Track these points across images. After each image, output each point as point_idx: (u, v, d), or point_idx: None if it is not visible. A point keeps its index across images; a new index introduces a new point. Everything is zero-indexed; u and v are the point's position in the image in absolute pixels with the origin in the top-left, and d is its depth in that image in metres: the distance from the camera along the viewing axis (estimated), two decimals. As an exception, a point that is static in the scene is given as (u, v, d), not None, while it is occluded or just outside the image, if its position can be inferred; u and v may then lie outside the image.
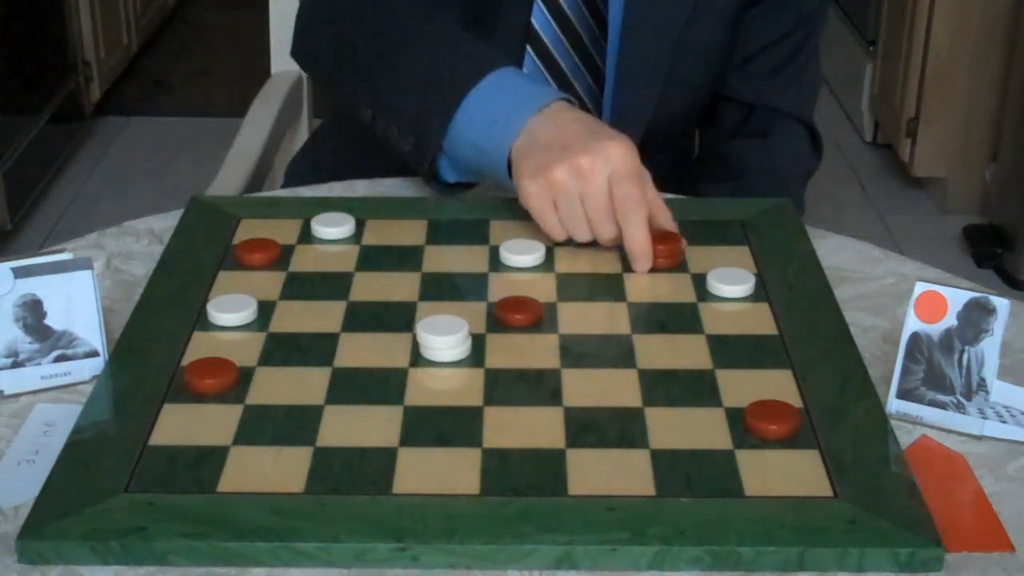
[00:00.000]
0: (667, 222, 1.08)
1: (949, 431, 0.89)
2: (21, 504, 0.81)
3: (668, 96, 1.33)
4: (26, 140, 2.98)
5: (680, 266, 1.07)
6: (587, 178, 1.04)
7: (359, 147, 1.34)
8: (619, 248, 1.08)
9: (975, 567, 0.77)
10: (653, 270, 1.06)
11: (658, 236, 1.06)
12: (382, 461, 0.83)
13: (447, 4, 1.26)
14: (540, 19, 1.28)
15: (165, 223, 1.16)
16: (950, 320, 0.88)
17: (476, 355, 0.94)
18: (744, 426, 0.86)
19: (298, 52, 1.31)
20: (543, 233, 1.08)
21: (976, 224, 3.01)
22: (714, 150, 1.41)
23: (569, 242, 1.08)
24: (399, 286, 1.03)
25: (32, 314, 0.92)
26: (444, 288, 1.04)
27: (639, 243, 1.05)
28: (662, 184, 1.26)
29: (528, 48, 1.28)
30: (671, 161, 1.42)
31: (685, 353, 0.95)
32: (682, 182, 1.37)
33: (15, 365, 0.92)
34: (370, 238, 1.11)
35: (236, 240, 1.10)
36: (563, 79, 1.29)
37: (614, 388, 0.90)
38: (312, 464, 0.82)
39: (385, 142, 1.19)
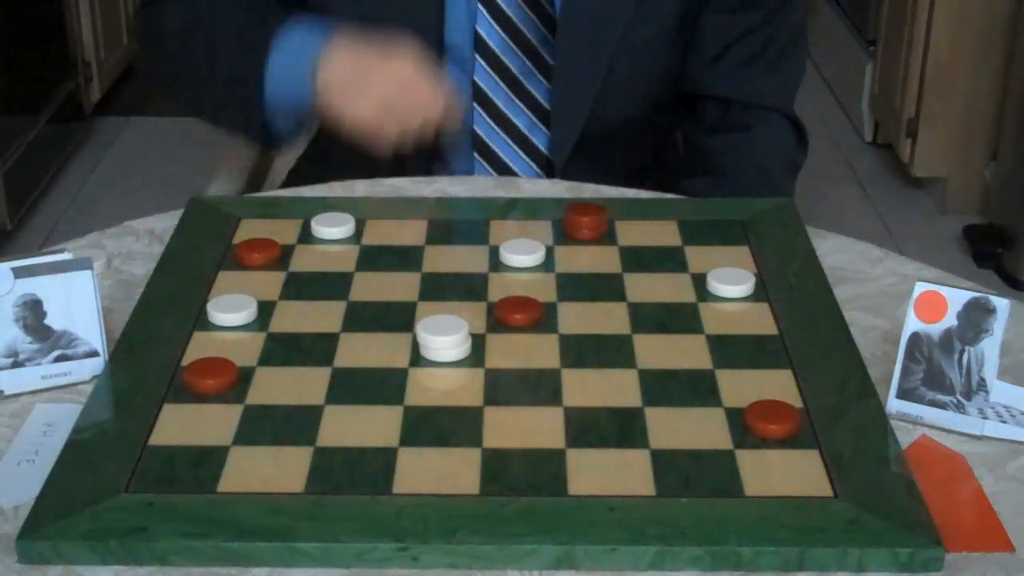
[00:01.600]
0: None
1: (949, 431, 0.89)
2: (21, 504, 0.81)
3: (613, 94, 1.32)
4: (26, 140, 2.98)
5: (678, 265, 1.07)
6: (386, 93, 1.18)
7: (359, 147, 1.34)
8: (618, 247, 1.08)
9: (975, 567, 0.77)
10: (579, 242, 1.10)
11: (584, 209, 1.10)
12: (382, 461, 0.83)
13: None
14: (485, 26, 1.29)
15: (165, 223, 1.16)
16: (950, 320, 0.88)
17: (476, 355, 0.94)
18: (744, 426, 0.86)
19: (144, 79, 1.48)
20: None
21: (976, 224, 3.01)
22: (695, 146, 1.40)
23: (568, 242, 1.08)
24: (399, 286, 1.03)
25: (32, 314, 0.92)
26: (444, 288, 1.04)
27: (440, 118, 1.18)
28: (634, 183, 1.28)
29: (477, 56, 1.29)
30: (640, 159, 1.42)
31: (685, 353, 0.95)
32: (660, 181, 1.37)
33: (15, 365, 0.92)
34: (370, 238, 1.11)
35: (236, 240, 1.10)
36: (516, 83, 1.30)
37: (614, 388, 0.90)
38: (312, 464, 0.82)
39: (228, 129, 1.34)
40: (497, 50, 1.29)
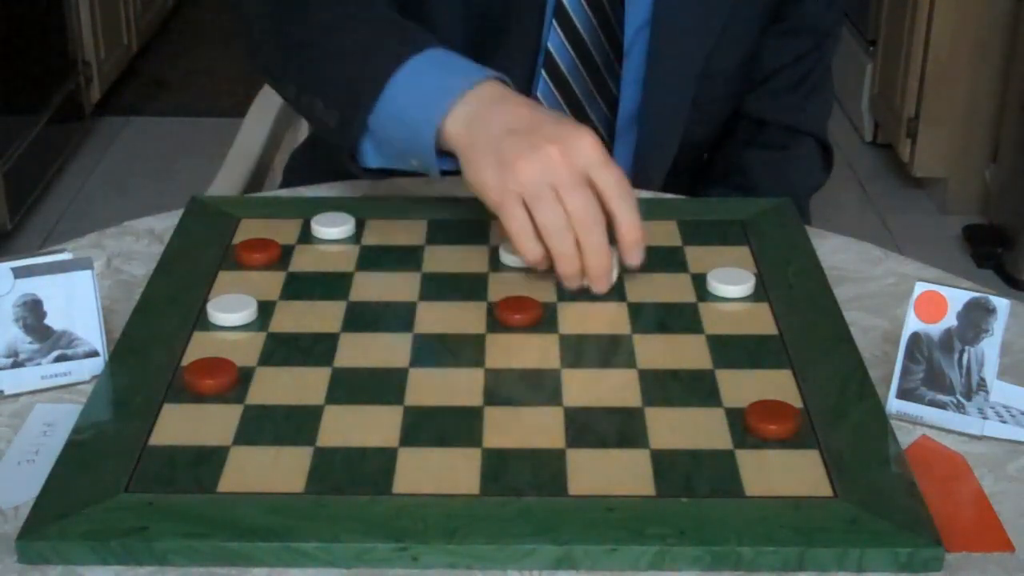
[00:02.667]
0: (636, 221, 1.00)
1: (949, 431, 0.89)
2: (21, 504, 0.81)
3: (692, 124, 1.32)
4: (26, 140, 2.98)
5: (678, 265, 1.07)
6: (561, 169, 0.95)
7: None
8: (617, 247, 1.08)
9: (975, 567, 0.77)
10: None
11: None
12: (382, 461, 0.83)
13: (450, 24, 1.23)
14: (556, 43, 1.25)
15: (165, 223, 1.16)
16: (950, 320, 0.88)
17: (476, 355, 0.94)
18: (744, 426, 0.86)
19: (240, 40, 1.24)
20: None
21: (976, 224, 3.01)
22: (727, 159, 1.40)
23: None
24: (399, 286, 1.03)
25: (32, 314, 0.92)
26: (444, 288, 1.04)
27: (636, 229, 0.98)
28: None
29: (543, 72, 1.27)
30: (686, 183, 1.41)
31: (685, 353, 0.95)
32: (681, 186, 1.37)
33: (15, 365, 0.92)
34: (370, 238, 1.11)
35: (236, 240, 1.10)
36: (577, 105, 1.28)
37: (614, 388, 0.90)
38: (312, 464, 0.82)
39: (309, 120, 1.14)
40: (565, 69, 1.27)
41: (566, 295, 1.02)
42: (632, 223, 0.98)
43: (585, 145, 0.96)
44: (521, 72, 1.26)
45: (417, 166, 1.07)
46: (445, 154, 1.04)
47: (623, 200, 0.98)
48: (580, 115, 1.28)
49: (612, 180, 0.97)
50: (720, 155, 1.42)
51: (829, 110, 1.42)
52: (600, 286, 1.00)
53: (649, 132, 1.30)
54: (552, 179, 0.95)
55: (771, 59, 1.35)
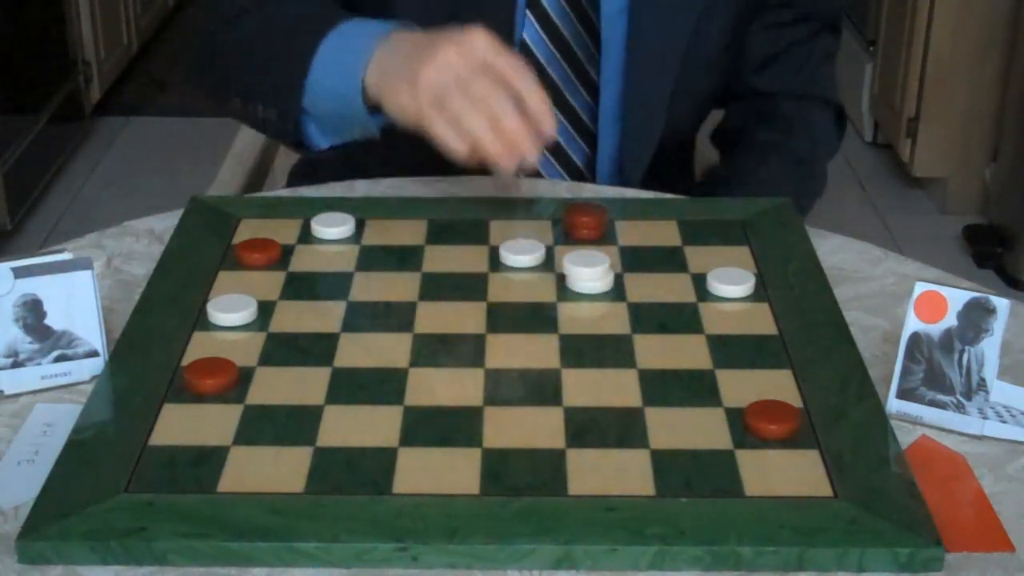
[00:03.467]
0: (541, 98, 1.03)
1: (949, 431, 0.89)
2: (21, 504, 0.81)
3: (675, 112, 1.32)
4: (26, 140, 2.98)
5: (678, 265, 1.07)
6: (460, 64, 1.00)
7: (359, 147, 1.34)
8: (618, 247, 1.08)
9: (975, 567, 0.77)
10: (579, 242, 1.08)
11: (584, 209, 1.10)
12: (382, 461, 0.83)
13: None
14: (532, 35, 1.27)
15: (165, 223, 1.16)
16: (950, 320, 0.88)
17: (476, 355, 0.94)
18: (744, 426, 0.86)
19: (194, 75, 1.31)
20: (495, 185, 1.08)
21: (976, 224, 3.01)
22: (759, 110, 1.40)
23: (568, 242, 1.08)
24: (399, 286, 1.03)
25: (32, 314, 0.92)
26: (444, 288, 1.04)
27: (542, 99, 1.01)
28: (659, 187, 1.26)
29: None
30: (672, 172, 1.42)
31: (685, 353, 0.95)
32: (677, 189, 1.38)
33: (15, 365, 0.92)
34: (370, 238, 1.11)
35: (236, 240, 1.10)
36: (558, 93, 1.29)
37: (614, 388, 0.90)
38: (312, 464, 0.82)
39: (255, 124, 1.21)
40: (542, 58, 1.28)
41: (566, 295, 1.02)
42: (536, 94, 1.01)
43: (478, 39, 1.02)
44: None
45: (361, 132, 1.13)
46: (378, 111, 1.09)
47: (524, 78, 1.02)
48: (562, 106, 1.29)
49: (509, 64, 1.02)
50: (749, 108, 1.41)
51: (835, 77, 1.44)
52: (518, 154, 1.01)
53: (632, 120, 1.31)
54: (454, 76, 1.01)
55: (767, 48, 1.36)
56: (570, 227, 1.10)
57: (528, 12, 1.27)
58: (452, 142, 1.02)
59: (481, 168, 1.05)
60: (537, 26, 1.27)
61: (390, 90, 1.04)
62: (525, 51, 1.27)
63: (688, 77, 1.31)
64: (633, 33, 1.28)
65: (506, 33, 1.26)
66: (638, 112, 1.31)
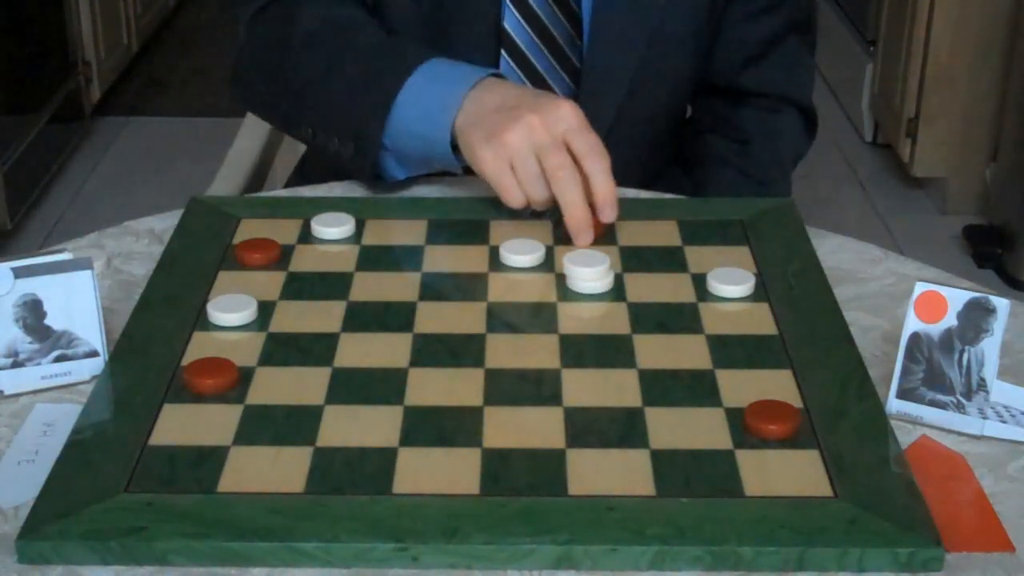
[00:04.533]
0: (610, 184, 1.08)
1: (949, 431, 0.89)
2: (21, 504, 0.81)
3: (644, 91, 1.34)
4: (26, 140, 2.98)
5: (678, 265, 1.07)
6: (541, 134, 1.06)
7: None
8: (618, 247, 1.08)
9: (975, 567, 0.77)
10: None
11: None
12: (382, 461, 0.83)
13: (407, 19, 1.28)
14: (512, 23, 1.28)
15: (165, 223, 1.16)
16: (950, 320, 0.88)
17: (476, 355, 0.94)
18: (744, 426, 0.86)
19: (237, 92, 1.33)
20: (507, 202, 1.09)
21: (976, 224, 3.01)
22: (719, 114, 1.43)
23: (568, 242, 1.08)
24: (399, 286, 1.03)
25: (32, 314, 0.92)
26: (444, 288, 1.04)
27: (608, 186, 1.06)
28: (634, 177, 1.27)
29: (503, 52, 1.29)
30: (657, 160, 1.42)
31: (685, 353, 0.95)
32: (658, 174, 1.40)
33: (15, 365, 0.92)
34: (370, 238, 1.11)
35: (236, 240, 1.10)
36: (540, 81, 1.30)
37: (614, 388, 0.90)
38: (312, 464, 0.82)
39: (325, 154, 1.21)
40: (524, 47, 1.29)
41: (566, 295, 1.02)
42: (604, 181, 1.07)
43: (564, 113, 1.07)
44: (484, 56, 1.28)
45: (442, 166, 1.18)
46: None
47: (596, 161, 1.07)
48: (544, 89, 1.30)
49: (586, 143, 1.07)
50: (709, 110, 1.44)
51: (812, 79, 1.46)
52: (580, 239, 1.08)
53: (590, 97, 1.31)
54: (534, 143, 1.06)
55: (741, 43, 1.38)
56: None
57: (509, 2, 1.28)
58: (513, 199, 1.08)
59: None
60: (517, 14, 1.28)
61: (472, 139, 1.09)
62: (506, 39, 1.28)
63: (657, 57, 1.32)
64: (598, 10, 1.30)
65: (492, 24, 1.28)
66: (599, 92, 1.32)
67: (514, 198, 1.08)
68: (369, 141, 1.15)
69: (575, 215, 1.07)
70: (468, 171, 1.14)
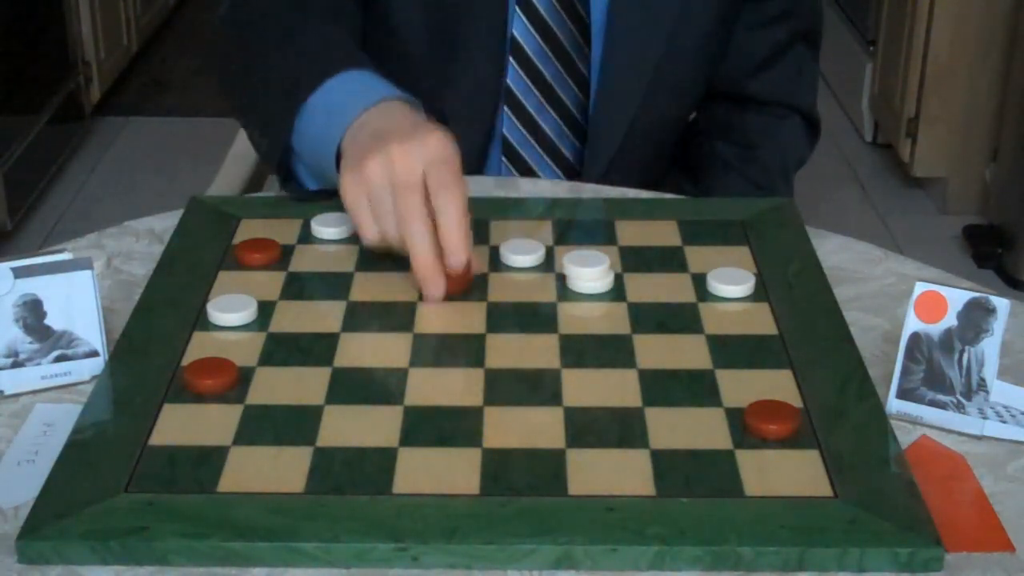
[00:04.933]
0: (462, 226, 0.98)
1: (949, 431, 0.89)
2: (21, 504, 0.81)
3: (657, 100, 1.34)
4: (26, 140, 2.98)
5: (678, 265, 1.07)
6: (401, 167, 0.98)
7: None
8: (618, 247, 1.08)
9: (975, 567, 0.77)
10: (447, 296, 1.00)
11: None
12: (382, 461, 0.83)
13: (413, 23, 1.27)
14: (521, 29, 1.28)
15: (165, 223, 1.16)
16: (950, 320, 0.88)
17: (476, 355, 0.94)
18: (744, 426, 0.86)
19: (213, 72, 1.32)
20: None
21: (976, 224, 3.01)
22: (723, 120, 1.43)
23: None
24: (399, 286, 1.03)
25: (32, 314, 0.92)
26: (444, 288, 1.04)
27: (453, 231, 0.97)
28: (648, 179, 1.26)
29: (511, 59, 1.29)
30: (663, 167, 1.43)
31: (685, 353, 0.95)
32: (666, 179, 1.40)
33: (15, 365, 0.92)
34: (370, 238, 1.11)
35: (236, 240, 1.10)
36: (548, 89, 1.30)
37: (614, 388, 0.90)
38: (312, 464, 0.82)
39: (255, 149, 1.20)
40: (532, 54, 1.29)
41: (566, 295, 1.02)
42: (451, 222, 0.97)
43: (430, 144, 0.99)
44: (490, 61, 1.28)
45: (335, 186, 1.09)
46: None
47: (447, 197, 0.97)
48: (551, 99, 1.30)
49: (440, 178, 0.98)
50: (715, 116, 1.44)
51: (816, 86, 1.46)
52: (428, 291, 0.99)
53: (604, 108, 1.31)
54: (392, 177, 0.98)
55: (749, 50, 1.38)
56: None
57: (517, 7, 1.28)
58: (366, 235, 1.02)
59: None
60: (526, 20, 1.28)
61: (343, 165, 1.03)
62: (515, 45, 1.28)
63: (670, 68, 1.32)
64: (612, 22, 1.30)
65: (499, 31, 1.27)
66: (612, 103, 1.32)
67: (368, 234, 1.01)
68: (277, 137, 1.12)
69: (420, 264, 0.98)
70: None
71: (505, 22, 1.28)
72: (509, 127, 1.31)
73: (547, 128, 1.31)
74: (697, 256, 1.08)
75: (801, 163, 1.46)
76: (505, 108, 1.31)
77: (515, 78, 1.29)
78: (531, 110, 1.30)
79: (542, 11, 1.28)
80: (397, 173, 0.98)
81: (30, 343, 0.92)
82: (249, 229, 1.12)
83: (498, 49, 1.29)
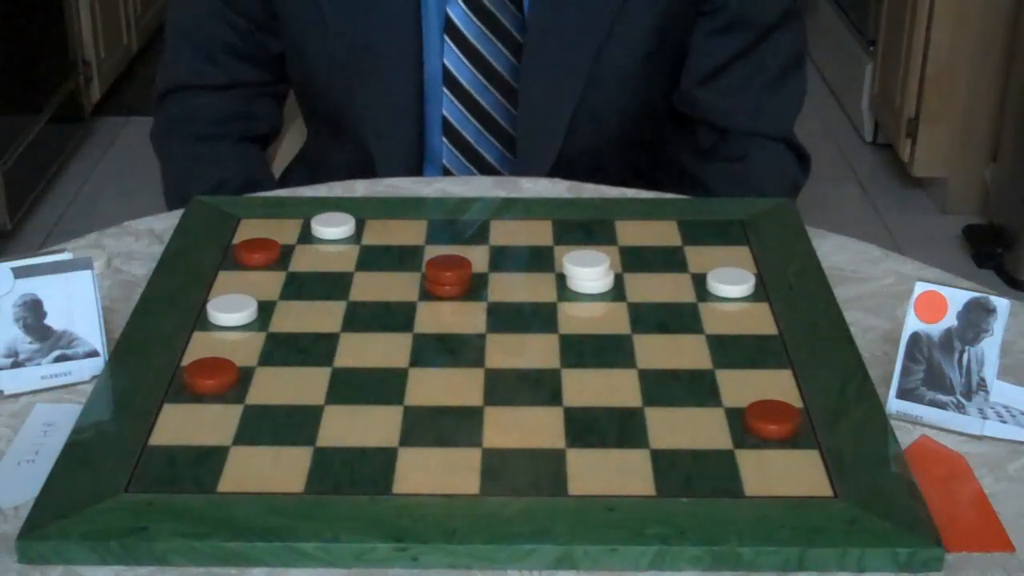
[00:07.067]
0: None
1: (949, 431, 0.89)
2: (21, 504, 0.81)
3: (583, 125, 1.30)
4: (26, 140, 2.98)
5: (678, 265, 1.07)
6: None
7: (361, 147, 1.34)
8: (618, 247, 1.08)
9: (975, 567, 0.77)
10: (441, 298, 1.00)
11: (450, 263, 1.02)
12: (382, 461, 0.83)
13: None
14: (453, 60, 1.28)
15: (165, 223, 1.16)
16: (950, 320, 0.88)
17: (476, 355, 0.94)
18: (744, 426, 0.86)
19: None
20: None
21: (976, 224, 3.01)
22: (689, 172, 1.38)
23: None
24: (399, 286, 1.03)
25: (32, 314, 0.92)
26: (444, 288, 1.03)
27: None
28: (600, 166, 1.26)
29: (445, 90, 1.28)
30: (617, 175, 1.39)
31: (685, 353, 0.95)
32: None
33: (15, 365, 0.92)
34: (370, 238, 1.11)
35: (236, 240, 1.10)
36: (486, 117, 1.29)
37: (614, 388, 0.90)
38: (312, 464, 0.82)
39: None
40: (466, 84, 1.29)
41: (566, 295, 1.02)
42: None
43: None
44: (408, 90, 1.28)
45: None
46: None
47: None
48: (489, 126, 1.29)
49: None
50: (683, 169, 1.39)
51: (794, 109, 1.36)
52: None
53: (527, 134, 1.29)
54: None
55: (708, 59, 1.32)
56: (432, 282, 1.03)
57: (447, 37, 1.27)
58: None
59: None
60: (457, 50, 1.27)
61: None
62: (448, 77, 1.28)
63: (598, 91, 1.29)
64: (534, 46, 1.27)
65: (414, 62, 1.27)
66: (541, 129, 1.29)
67: None
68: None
69: None
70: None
71: (420, 53, 1.28)
72: (449, 157, 1.31)
73: (488, 156, 1.31)
74: (697, 256, 1.08)
75: (793, 190, 1.37)
76: (444, 140, 1.30)
77: (451, 109, 1.29)
78: (470, 139, 1.30)
79: (471, 39, 1.27)
80: None
81: (30, 343, 0.92)
82: (249, 229, 1.12)
83: (415, 79, 1.29)
